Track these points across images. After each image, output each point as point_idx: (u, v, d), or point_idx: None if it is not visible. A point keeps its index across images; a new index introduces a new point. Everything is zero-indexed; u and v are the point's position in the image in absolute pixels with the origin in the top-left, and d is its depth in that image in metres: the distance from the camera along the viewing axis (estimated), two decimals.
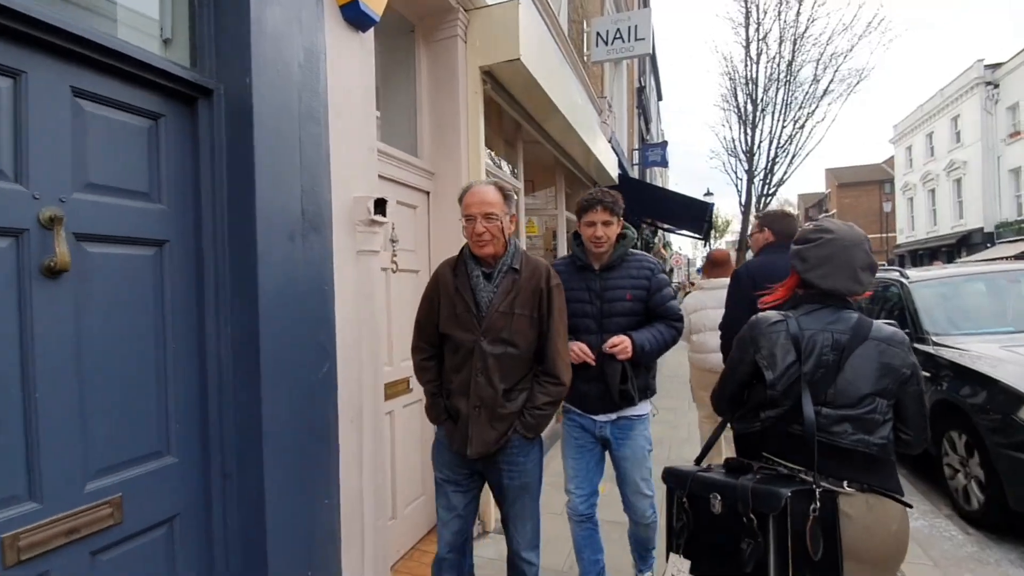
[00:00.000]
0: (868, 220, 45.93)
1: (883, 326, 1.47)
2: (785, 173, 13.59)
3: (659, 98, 20.11)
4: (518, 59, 3.05)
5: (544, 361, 1.82)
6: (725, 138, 14.77)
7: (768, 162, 13.57)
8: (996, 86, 24.31)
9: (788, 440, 1.44)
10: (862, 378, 1.40)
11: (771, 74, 13.28)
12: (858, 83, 12.79)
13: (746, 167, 13.92)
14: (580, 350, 2.07)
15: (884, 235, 43.36)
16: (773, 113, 13.44)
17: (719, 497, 1.41)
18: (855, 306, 1.51)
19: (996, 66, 24.39)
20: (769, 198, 13.87)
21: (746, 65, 13.53)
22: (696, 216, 8.67)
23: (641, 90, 12.90)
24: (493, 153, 4.34)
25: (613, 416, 2.20)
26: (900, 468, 4.32)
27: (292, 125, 1.77)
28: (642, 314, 2.17)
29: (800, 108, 13.07)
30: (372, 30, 2.21)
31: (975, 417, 3.26)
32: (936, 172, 28.96)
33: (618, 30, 6.64)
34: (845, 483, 1.36)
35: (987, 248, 24.40)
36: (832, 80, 12.88)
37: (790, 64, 12.82)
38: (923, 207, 30.82)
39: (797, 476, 1.39)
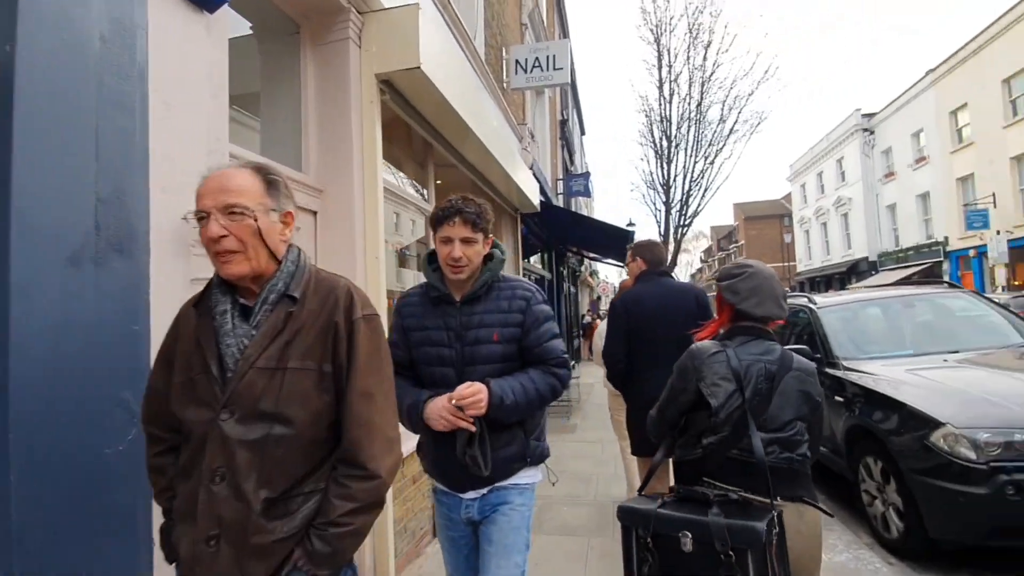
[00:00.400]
0: (771, 250, 50.07)
1: (800, 358, 1.62)
2: (699, 205, 14.38)
3: (582, 132, 20.81)
4: (418, 67, 2.76)
5: (343, 442, 1.12)
6: (644, 171, 15.46)
7: (683, 195, 14.30)
8: (872, 132, 27.51)
9: (728, 464, 1.52)
10: (788, 405, 1.54)
11: (683, 113, 14.14)
12: (759, 124, 13.94)
13: (663, 199, 14.57)
14: (448, 412, 1.50)
15: (785, 264, 47.48)
16: (686, 149, 14.27)
17: (690, 535, 1.39)
18: (775, 337, 1.65)
19: (871, 115, 27.68)
20: (685, 228, 14.56)
21: (660, 104, 14.34)
22: (619, 244, 8.73)
23: (564, 123, 13.19)
24: (403, 174, 4.00)
25: (484, 490, 1.62)
26: (818, 494, 4.05)
27: (84, 114, 1.33)
28: (516, 359, 1.63)
29: (710, 145, 13.97)
30: (223, 12, 1.82)
31: (889, 442, 3.25)
32: (827, 207, 32.05)
33: (537, 59, 6.63)
34: (779, 498, 1.44)
35: (872, 275, 27.12)
36: (736, 121, 13.91)
37: (699, 104, 13.72)
38: (818, 239, 33.89)
39: (748, 500, 1.45)
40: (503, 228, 6.48)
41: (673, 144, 14.29)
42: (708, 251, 67.06)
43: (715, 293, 1.79)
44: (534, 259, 10.64)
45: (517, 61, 6.73)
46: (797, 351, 3.79)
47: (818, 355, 4.32)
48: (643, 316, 2.73)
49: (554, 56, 6.56)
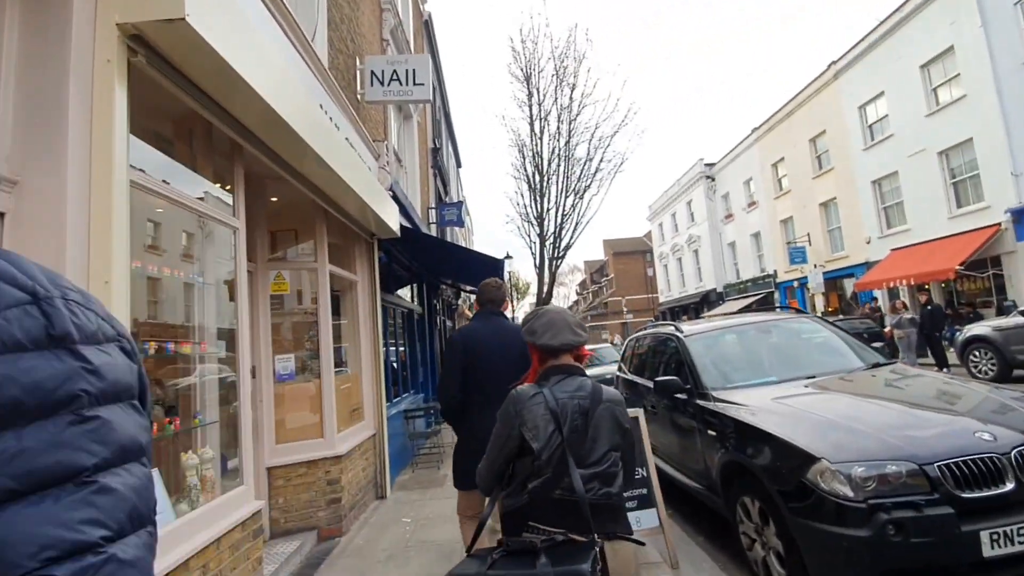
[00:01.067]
0: (637, 283, 54.25)
1: (608, 390, 1.70)
2: (571, 238, 14.79)
3: (458, 164, 20.67)
4: (183, 19, 1.98)
5: None
6: (519, 204, 15.56)
7: (556, 228, 14.59)
8: (713, 179, 31.23)
9: (553, 506, 1.54)
10: (602, 437, 1.59)
11: (553, 149, 14.57)
12: (621, 164, 14.86)
13: (538, 232, 14.73)
14: None
15: (649, 295, 51.62)
16: (557, 184, 14.66)
17: None
18: (585, 373, 1.72)
19: (712, 164, 31.52)
20: (560, 260, 14.85)
21: (532, 140, 14.66)
22: (493, 275, 8.26)
23: (436, 151, 12.78)
24: (196, 175, 3.08)
25: None
26: (696, 535, 3.70)
27: None
28: None
29: (579, 181, 14.52)
30: None
31: (765, 480, 3.00)
32: (681, 244, 35.52)
33: (395, 72, 6.08)
34: (595, 535, 1.47)
35: (721, 303, 30.33)
36: (601, 160, 14.67)
37: (567, 142, 14.27)
38: (675, 272, 37.31)
39: (572, 540, 1.46)
40: (356, 254, 5.66)
41: (545, 179, 14.62)
42: (583, 284, 70.80)
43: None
44: (404, 292, 9.83)
45: (373, 72, 6.11)
46: (668, 383, 3.51)
47: (688, 386, 4.12)
48: (477, 352, 2.71)
49: (414, 70, 6.07)
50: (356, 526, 4.67)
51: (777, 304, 25.18)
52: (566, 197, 14.68)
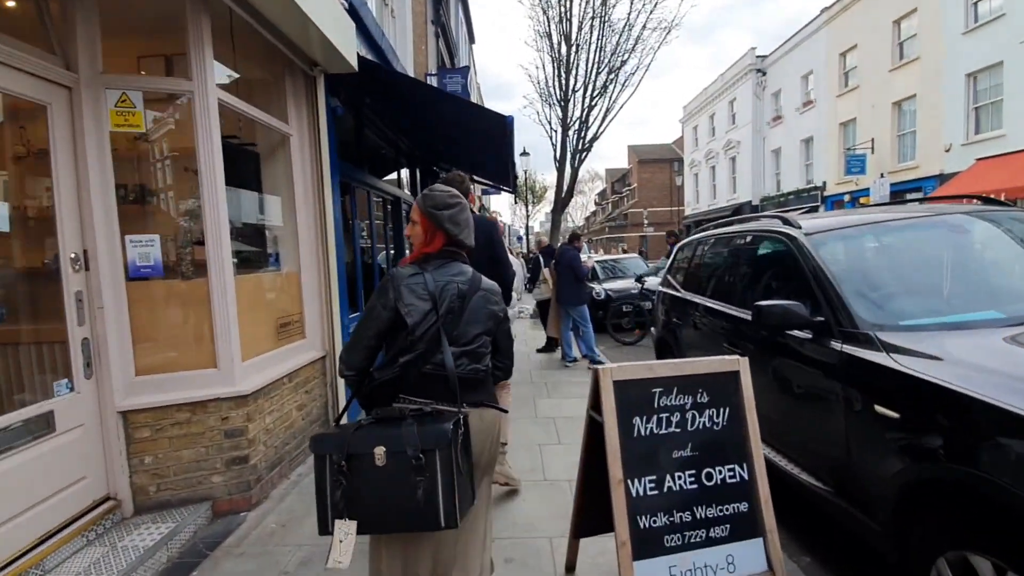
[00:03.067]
0: (662, 194, 51.18)
1: (487, 280, 1.76)
2: (600, 127, 12.33)
3: (471, 39, 17.63)
4: None
5: None
6: (539, 82, 12.98)
7: (583, 112, 12.14)
8: (764, 73, 27.30)
9: (422, 379, 1.60)
10: (475, 321, 1.68)
11: (585, 10, 11.70)
12: (670, 30, 11.95)
13: (560, 117, 12.30)
14: None
15: (672, 208, 48.77)
16: (587, 57, 11.98)
17: (384, 448, 1.44)
18: (467, 260, 1.77)
19: (765, 57, 27.40)
20: (585, 153, 12.54)
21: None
22: (498, 151, 6.26)
23: (439, 2, 10.14)
24: None
25: None
26: (799, 552, 2.56)
27: None
28: None
29: (614, 54, 11.81)
30: None
31: None
32: (716, 150, 32.20)
33: None
34: (464, 404, 1.58)
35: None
36: (645, 25, 11.78)
37: (604, 1, 11.38)
38: (706, 182, 34.30)
39: (435, 409, 1.54)
40: (287, 93, 3.74)
41: (574, 49, 11.91)
42: (603, 193, 67.52)
43: (419, 220, 1.73)
44: (392, 179, 7.91)
45: None
46: (782, 311, 2.33)
47: (820, 318, 2.35)
48: None
49: None
50: (279, 492, 3.22)
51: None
52: (597, 73, 12.07)
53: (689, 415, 1.97)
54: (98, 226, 2.57)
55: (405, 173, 8.27)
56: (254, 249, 3.59)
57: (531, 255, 12.37)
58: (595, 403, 2.00)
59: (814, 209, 23.13)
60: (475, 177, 9.42)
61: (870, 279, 2.45)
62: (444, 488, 1.41)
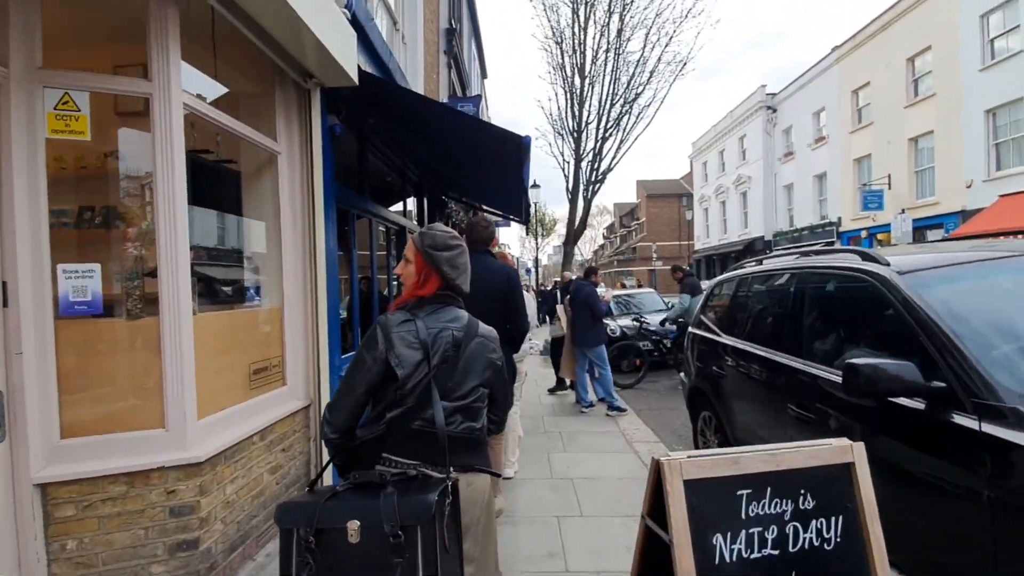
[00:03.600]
0: (670, 228, 51.01)
1: (484, 326, 1.62)
2: (614, 159, 12.00)
3: (483, 74, 17.65)
4: None
5: None
6: (551, 114, 12.75)
7: (596, 143, 11.81)
8: (774, 110, 27.28)
9: (409, 437, 1.45)
10: (472, 371, 1.52)
11: (599, 43, 11.53)
12: (685, 64, 11.75)
13: (573, 148, 11.99)
14: None
15: (680, 243, 48.47)
16: (601, 89, 11.75)
17: (358, 523, 1.24)
18: (462, 305, 1.63)
19: (775, 94, 27.44)
20: (598, 185, 12.16)
21: (574, 26, 11.58)
22: (512, 176, 5.79)
23: (452, 33, 9.99)
24: None
25: None
26: None
27: None
28: None
29: (628, 87, 11.57)
30: None
31: None
32: (727, 186, 31.99)
33: None
34: (452, 469, 1.40)
35: (767, 254, 27.31)
36: (660, 58, 11.59)
37: (620, 31, 11.18)
38: (716, 217, 33.99)
39: (421, 473, 1.38)
40: (276, 107, 3.32)
41: (587, 81, 11.71)
42: (611, 227, 67.58)
43: (413, 259, 1.61)
44: (403, 209, 7.51)
45: None
46: (886, 374, 1.81)
47: (939, 383, 1.78)
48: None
49: None
50: None
51: None
52: (611, 106, 11.81)
53: (790, 530, 1.39)
54: (22, 252, 2.07)
55: (412, 203, 7.87)
56: (229, 281, 3.09)
57: (542, 288, 11.86)
58: (655, 508, 1.42)
59: (830, 244, 22.61)
60: (485, 207, 9.03)
61: (1002, 333, 1.88)
62: (426, 570, 1.22)
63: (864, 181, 20.60)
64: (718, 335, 3.77)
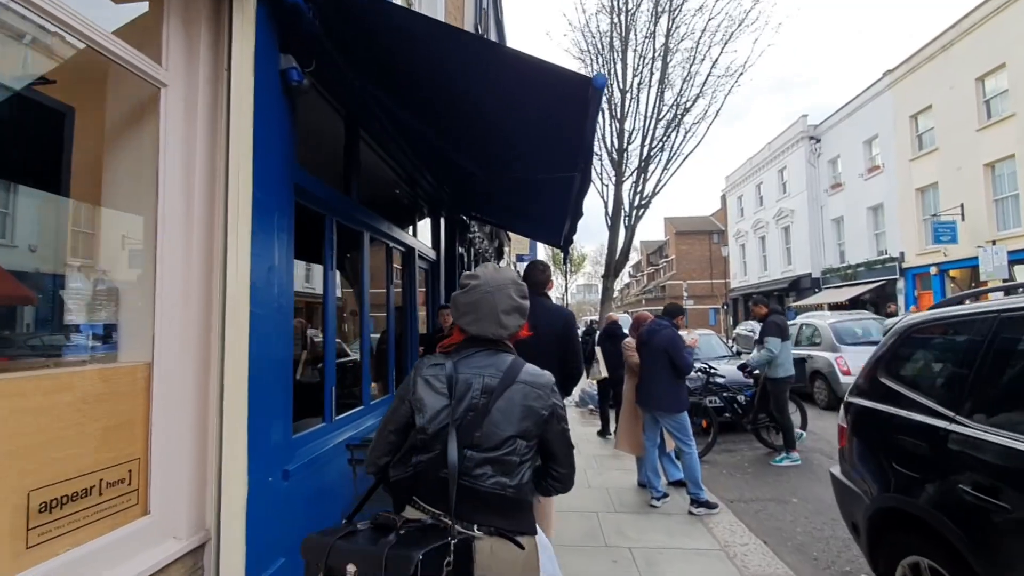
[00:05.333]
0: (701, 266, 48.96)
1: (534, 370, 1.48)
2: (660, 181, 10.46)
3: None
4: None
5: None
6: None
7: (640, 163, 10.34)
8: (818, 140, 25.66)
9: (437, 484, 1.38)
10: (506, 421, 1.40)
11: (644, 48, 10.25)
12: (740, 75, 10.34)
13: (613, 172, 10.53)
14: None
15: (712, 281, 46.30)
16: (647, 103, 10.37)
17: (354, 568, 1.22)
18: (510, 348, 1.53)
19: (816, 125, 25.92)
20: (643, 211, 10.61)
21: (612, 43, 10.34)
22: (570, 150, 4.24)
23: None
24: None
25: None
26: None
27: None
28: None
29: (678, 98, 10.14)
30: None
31: None
32: (766, 220, 30.14)
33: None
34: (476, 527, 1.34)
35: (815, 292, 25.13)
36: (715, 64, 10.19)
37: (667, 38, 9.89)
38: (755, 253, 31.99)
39: (441, 524, 1.33)
40: (162, 10, 1.86)
41: (630, 95, 10.37)
42: (637, 265, 65.79)
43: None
44: (421, 231, 6.11)
45: None
46: None
47: None
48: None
49: None
50: None
51: (900, 297, 19.94)
52: (657, 121, 10.38)
53: None
54: None
55: (426, 227, 6.42)
56: (37, 318, 1.58)
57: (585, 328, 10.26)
58: None
59: (891, 283, 20.41)
60: (516, 231, 7.54)
61: None
62: None
63: (931, 212, 18.58)
64: (952, 420, 2.07)
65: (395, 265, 4.96)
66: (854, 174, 22.82)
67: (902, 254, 20.02)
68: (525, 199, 5.08)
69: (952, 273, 18.15)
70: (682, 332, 4.50)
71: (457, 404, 1.39)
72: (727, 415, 6.61)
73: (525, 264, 14.08)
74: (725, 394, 6.64)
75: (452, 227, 6.97)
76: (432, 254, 6.13)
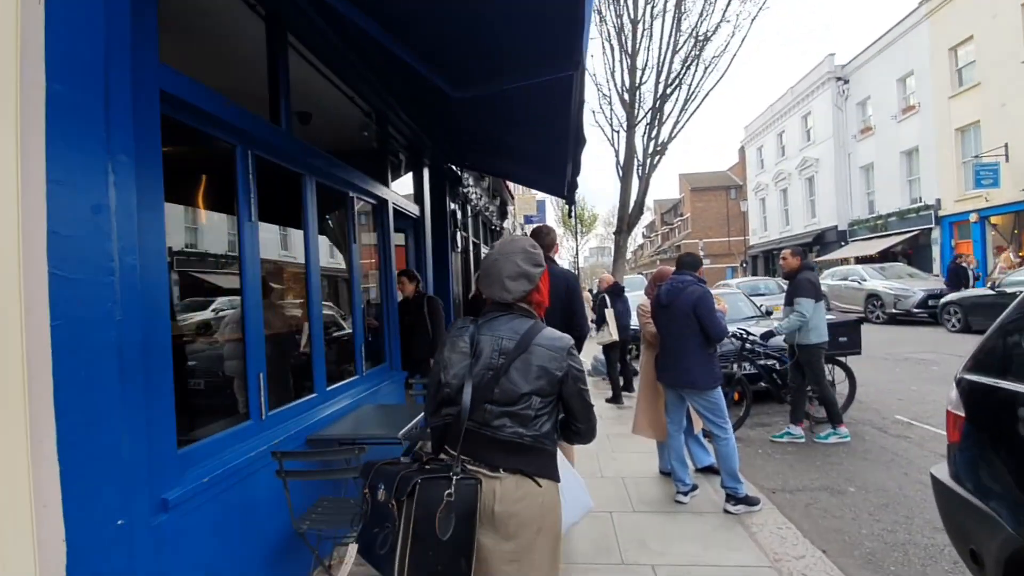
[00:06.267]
0: (718, 223, 47.28)
1: (552, 333, 1.58)
2: (678, 125, 9.32)
3: None
4: None
5: None
6: (594, 75, 10.21)
7: (655, 102, 9.19)
8: (846, 81, 23.81)
9: (465, 436, 1.52)
10: (522, 380, 1.52)
11: None
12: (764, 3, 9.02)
13: (625, 113, 9.41)
14: None
15: (730, 239, 44.79)
16: (661, 35, 9.15)
17: (382, 486, 1.48)
18: (530, 312, 1.64)
19: (845, 64, 23.99)
20: (659, 157, 9.50)
21: None
22: (559, 131, 3.48)
23: None
24: None
25: None
26: None
27: None
28: None
29: (698, 25, 8.88)
30: None
31: None
32: (788, 171, 28.51)
33: None
34: (501, 469, 1.48)
35: (841, 246, 23.83)
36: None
37: None
38: (776, 207, 30.48)
39: (459, 464, 1.47)
40: None
41: (642, 25, 9.13)
42: (651, 225, 64.14)
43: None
44: (402, 183, 5.27)
45: None
46: None
47: None
48: None
49: None
50: None
51: (936, 247, 18.66)
52: (674, 53, 9.17)
53: None
54: None
55: (406, 181, 5.55)
56: None
57: (595, 294, 9.48)
58: None
59: (926, 233, 19.10)
60: (516, 182, 6.63)
61: None
62: (400, 548, 1.37)
63: (972, 154, 17.09)
64: None
65: (358, 215, 4.13)
66: (886, 116, 21.14)
67: (938, 201, 18.62)
68: (516, 128, 4.16)
69: (993, 220, 16.81)
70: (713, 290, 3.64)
71: (475, 362, 1.53)
72: (762, 384, 5.80)
73: (532, 226, 13.05)
74: (762, 362, 5.79)
75: (440, 179, 6.08)
76: (414, 209, 5.28)
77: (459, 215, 7.03)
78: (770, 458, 4.62)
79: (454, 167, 6.40)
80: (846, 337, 5.15)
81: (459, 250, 6.99)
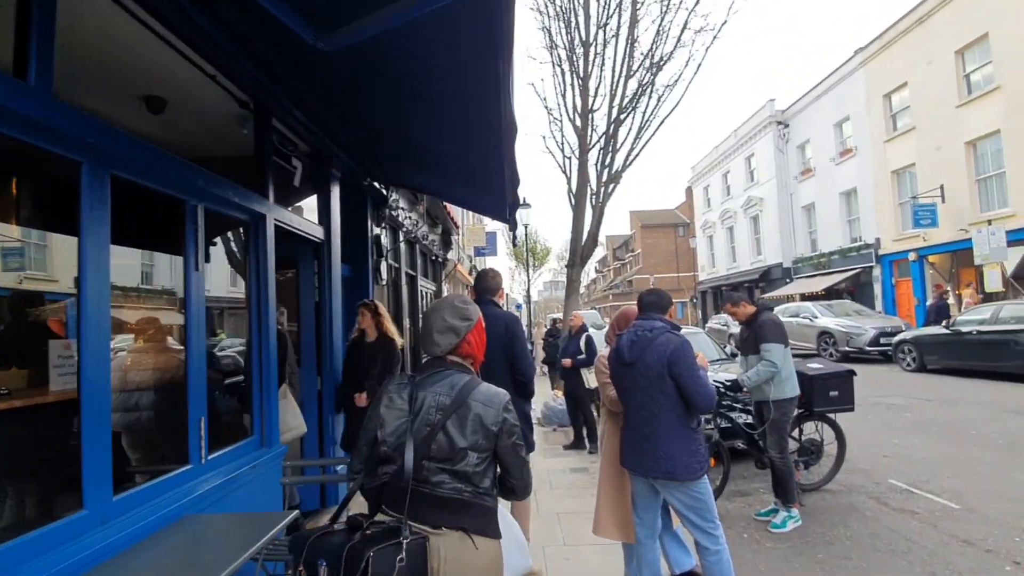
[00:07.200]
0: (667, 260, 48.22)
1: (489, 389, 1.59)
2: (632, 151, 8.73)
3: None
4: None
5: None
6: (546, 99, 9.57)
7: (609, 124, 8.56)
8: (786, 125, 24.73)
9: (400, 492, 1.48)
10: (459, 435, 1.50)
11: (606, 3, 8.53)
12: (721, 27, 8.72)
13: (577, 138, 8.73)
14: None
15: (679, 274, 45.65)
16: (614, 60, 8.65)
17: (324, 564, 1.39)
18: (467, 369, 1.66)
19: (784, 109, 24.99)
20: (612, 185, 8.82)
21: None
22: (492, 155, 2.57)
23: None
24: None
25: None
26: None
27: None
28: None
29: (646, 56, 8.42)
30: None
31: None
32: (734, 210, 29.18)
33: None
34: (443, 527, 1.45)
35: (787, 283, 24.21)
36: (687, 22, 8.53)
37: None
38: (723, 245, 31.05)
39: (403, 528, 1.43)
40: None
41: (594, 48, 8.60)
42: (603, 260, 64.90)
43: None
44: (306, 203, 4.21)
45: None
46: None
47: None
48: None
49: None
50: None
51: (877, 285, 19.05)
52: (627, 79, 8.66)
53: None
54: None
55: (311, 199, 4.47)
56: None
57: (549, 327, 8.54)
58: None
59: (867, 271, 19.52)
60: (465, 226, 5.68)
61: None
62: None
63: (908, 195, 17.69)
64: None
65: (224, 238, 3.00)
66: (825, 159, 21.92)
67: (878, 240, 19.13)
68: (432, 118, 3.19)
69: (931, 259, 17.31)
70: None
71: (414, 418, 1.52)
72: (739, 442, 4.91)
73: (483, 259, 12.04)
74: (735, 416, 4.91)
75: (358, 197, 5.03)
76: (317, 232, 4.18)
77: (386, 241, 5.96)
78: (760, 547, 3.67)
79: (378, 185, 5.37)
80: (837, 391, 4.33)
81: (384, 282, 5.89)
